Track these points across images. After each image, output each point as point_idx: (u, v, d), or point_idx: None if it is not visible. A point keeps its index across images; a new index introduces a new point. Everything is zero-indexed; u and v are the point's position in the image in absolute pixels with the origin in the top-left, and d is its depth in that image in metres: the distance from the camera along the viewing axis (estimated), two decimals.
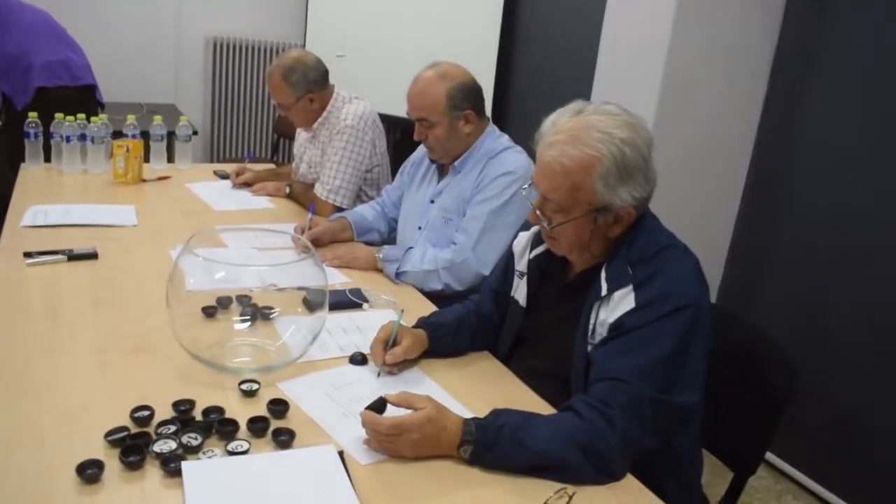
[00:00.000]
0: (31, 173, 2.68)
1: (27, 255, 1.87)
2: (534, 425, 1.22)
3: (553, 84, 3.87)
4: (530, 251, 1.57)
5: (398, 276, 2.04)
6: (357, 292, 1.86)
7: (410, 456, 1.21)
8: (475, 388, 1.48)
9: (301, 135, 2.92)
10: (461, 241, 2.04)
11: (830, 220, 2.61)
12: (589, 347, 1.37)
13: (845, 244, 2.56)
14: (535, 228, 1.58)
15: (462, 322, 1.64)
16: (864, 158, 2.49)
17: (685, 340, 1.27)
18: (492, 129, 2.16)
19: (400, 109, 2.79)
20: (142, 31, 4.55)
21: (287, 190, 2.76)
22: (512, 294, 1.62)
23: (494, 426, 1.21)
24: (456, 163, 2.13)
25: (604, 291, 1.35)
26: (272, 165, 3.27)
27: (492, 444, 1.20)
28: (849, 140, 2.54)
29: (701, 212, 2.86)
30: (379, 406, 1.25)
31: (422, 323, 1.61)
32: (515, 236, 2.04)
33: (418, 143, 2.44)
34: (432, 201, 2.20)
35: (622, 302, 1.32)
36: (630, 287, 1.31)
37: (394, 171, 2.77)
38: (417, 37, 4.40)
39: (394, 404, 1.24)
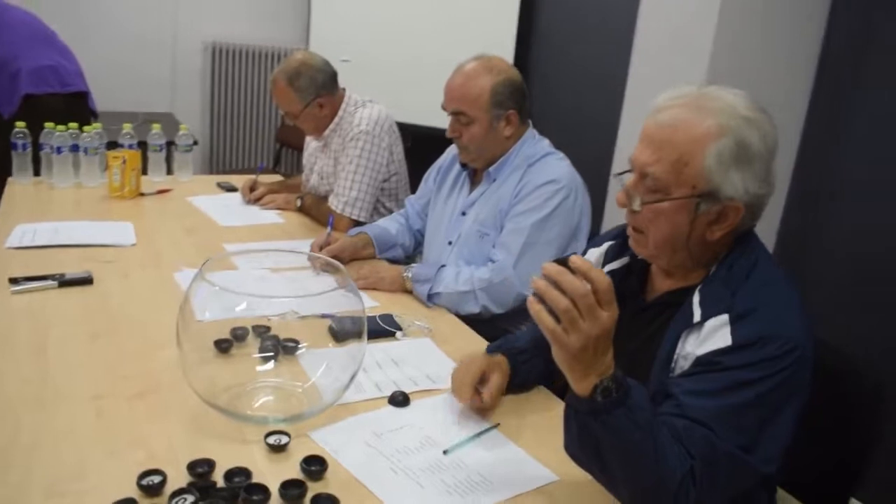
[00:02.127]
0: (18, 188, 2.46)
1: (12, 280, 1.65)
2: (659, 427, 1.01)
3: (573, 91, 3.67)
4: (603, 266, 1.35)
5: (430, 299, 1.82)
6: (389, 319, 1.64)
7: (575, 349, 0.94)
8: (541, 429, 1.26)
9: (311, 144, 2.70)
10: (500, 257, 1.82)
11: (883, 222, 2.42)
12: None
13: None
14: (607, 244, 1.37)
15: (538, 345, 1.41)
16: None
17: (780, 390, 1.06)
18: (532, 132, 1.95)
19: (409, 116, 2.59)
20: (137, 37, 4.31)
21: (298, 203, 2.54)
22: None
23: (641, 394, 1.00)
24: (491, 168, 1.91)
25: (696, 318, 1.13)
26: (279, 177, 3.05)
27: (635, 406, 0.97)
28: None
29: None
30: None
31: (496, 348, 1.42)
32: (564, 251, 1.83)
33: (432, 152, 2.23)
34: (464, 213, 1.97)
35: (715, 335, 1.10)
36: (726, 318, 1.10)
37: (410, 181, 2.56)
38: (426, 41, 4.20)
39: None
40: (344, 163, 2.41)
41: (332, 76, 2.46)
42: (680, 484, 1.00)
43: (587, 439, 1.01)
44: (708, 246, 1.17)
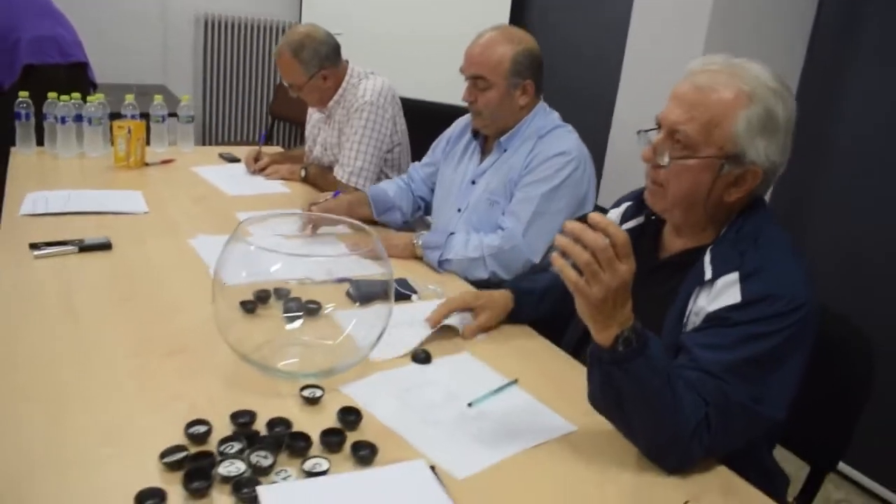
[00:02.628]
0: (22, 158, 2.47)
1: (33, 246, 1.67)
2: (676, 376, 1.08)
3: (569, 65, 3.71)
4: (621, 225, 1.41)
5: (441, 265, 1.87)
6: (404, 283, 1.69)
7: (598, 300, 0.99)
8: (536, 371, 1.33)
9: (313, 115, 2.72)
10: (510, 225, 1.87)
11: (878, 184, 2.50)
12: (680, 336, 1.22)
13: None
14: (626, 204, 1.43)
15: (548, 290, 1.56)
16: None
17: (787, 345, 1.13)
18: (542, 105, 1.99)
19: (404, 91, 2.64)
20: (128, 8, 4.28)
21: (302, 173, 2.57)
22: None
23: (659, 346, 1.07)
24: (502, 139, 1.96)
25: (707, 275, 1.20)
26: (280, 149, 3.07)
27: (652, 357, 1.04)
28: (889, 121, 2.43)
29: None
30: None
31: (511, 286, 1.57)
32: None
33: (426, 125, 2.26)
34: (474, 182, 2.02)
35: (725, 292, 1.17)
36: (736, 276, 1.17)
37: (412, 153, 2.60)
38: (419, 15, 4.21)
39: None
40: (349, 133, 2.44)
41: (336, 48, 2.49)
42: (694, 431, 1.07)
43: (609, 388, 1.08)
44: (722, 207, 1.23)
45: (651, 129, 1.26)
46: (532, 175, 1.88)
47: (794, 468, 1.44)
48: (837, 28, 2.59)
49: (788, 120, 1.19)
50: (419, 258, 1.92)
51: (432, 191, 2.24)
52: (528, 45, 1.92)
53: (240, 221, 1.26)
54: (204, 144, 4.60)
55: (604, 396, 1.10)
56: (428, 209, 2.28)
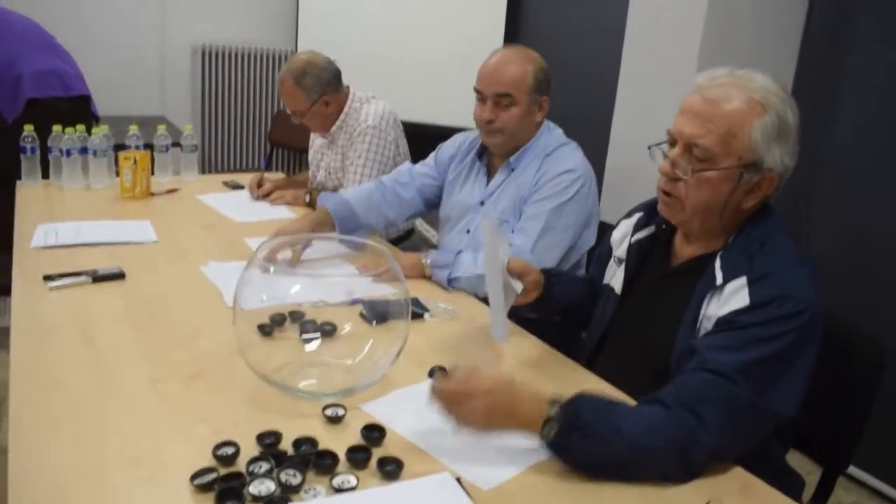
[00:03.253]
0: (29, 191, 2.49)
1: (47, 277, 1.69)
2: (622, 410, 1.12)
3: (565, 85, 3.75)
4: (632, 235, 1.44)
5: (450, 283, 1.89)
6: (416, 302, 1.71)
7: (482, 425, 1.11)
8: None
9: (316, 141, 2.76)
10: (519, 241, 1.90)
11: (874, 187, 2.53)
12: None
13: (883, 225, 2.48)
14: (637, 215, 1.46)
15: (578, 283, 1.61)
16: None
17: (795, 346, 1.16)
18: (547, 123, 2.04)
19: (402, 114, 2.70)
20: (126, 41, 4.32)
21: (307, 198, 2.59)
22: (606, 282, 1.50)
23: (587, 404, 1.09)
24: (511, 158, 1.99)
25: (718, 280, 1.23)
26: (283, 175, 3.10)
27: (584, 426, 1.07)
28: (891, 100, 2.47)
29: None
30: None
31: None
32: (578, 237, 1.93)
33: (431, 149, 2.27)
34: (482, 203, 2.05)
35: (734, 296, 1.20)
36: (744, 280, 1.20)
37: None
38: (414, 39, 4.27)
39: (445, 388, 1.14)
40: (353, 157, 2.47)
41: (337, 74, 2.53)
42: (681, 448, 1.09)
43: (586, 454, 1.09)
44: (738, 213, 1.26)
45: (662, 144, 1.29)
46: (541, 192, 1.91)
47: (805, 471, 1.45)
48: (827, 35, 2.64)
49: (796, 124, 1.23)
50: (428, 278, 1.94)
51: (428, 202, 2.24)
52: (542, 62, 1.98)
53: (257, 247, 1.28)
54: (204, 173, 4.61)
55: (580, 470, 1.11)
56: (424, 214, 2.30)
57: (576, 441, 1.07)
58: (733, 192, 1.23)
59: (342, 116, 2.55)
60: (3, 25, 2.84)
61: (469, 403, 1.10)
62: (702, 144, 1.21)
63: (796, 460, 1.44)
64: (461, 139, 2.20)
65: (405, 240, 2.80)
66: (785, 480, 1.32)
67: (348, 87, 2.59)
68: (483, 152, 2.09)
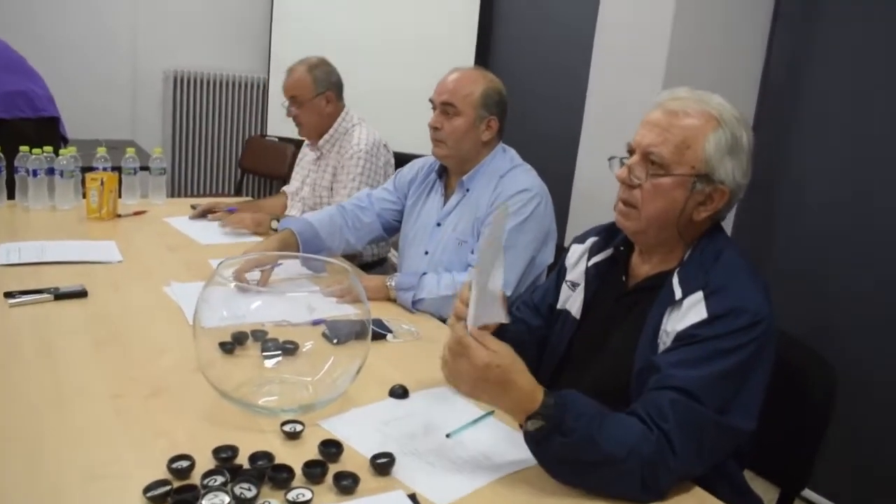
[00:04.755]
0: None
1: (8, 294, 1.68)
2: (609, 421, 1.13)
3: (534, 111, 3.84)
4: (588, 259, 1.48)
5: (415, 305, 1.91)
6: (380, 323, 1.73)
7: (466, 392, 1.16)
8: None
9: (305, 157, 2.84)
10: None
11: (831, 210, 2.61)
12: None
13: (851, 235, 2.56)
14: (591, 239, 1.50)
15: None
16: (865, 139, 2.51)
17: (753, 359, 1.19)
18: (501, 146, 2.09)
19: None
20: (98, 65, 4.34)
21: (274, 225, 2.52)
22: (560, 306, 1.52)
23: (576, 412, 1.11)
24: (464, 178, 2.05)
25: (678, 295, 1.26)
26: (250, 199, 3.11)
27: (568, 431, 1.09)
28: (848, 123, 2.57)
29: None
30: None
31: None
32: (537, 254, 1.97)
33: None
34: (439, 224, 2.09)
35: (691, 311, 1.23)
36: (701, 294, 1.23)
37: None
38: (385, 68, 4.33)
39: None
40: (344, 180, 2.56)
41: (342, 85, 2.69)
42: (648, 461, 1.10)
43: (561, 455, 1.11)
44: (691, 226, 1.31)
45: (623, 157, 1.34)
46: None
47: (762, 492, 1.48)
48: (789, 56, 2.75)
49: (749, 145, 1.29)
50: (392, 300, 1.95)
51: (387, 225, 2.27)
52: (498, 85, 2.04)
53: (218, 263, 1.29)
54: (174, 196, 4.61)
55: (544, 465, 1.14)
56: (383, 238, 2.33)
57: (555, 444, 1.09)
58: (686, 201, 1.27)
59: (331, 131, 2.64)
60: None
61: (464, 364, 1.12)
62: (657, 152, 1.27)
63: (756, 483, 1.47)
64: (420, 163, 2.24)
65: (378, 266, 2.82)
66: (742, 500, 1.35)
67: (344, 105, 2.70)
68: (443, 172, 2.14)
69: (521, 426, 1.14)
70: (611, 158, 1.38)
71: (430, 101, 2.05)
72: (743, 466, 1.41)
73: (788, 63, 2.77)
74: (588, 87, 2.96)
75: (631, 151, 1.33)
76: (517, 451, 1.24)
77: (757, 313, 1.19)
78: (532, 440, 1.12)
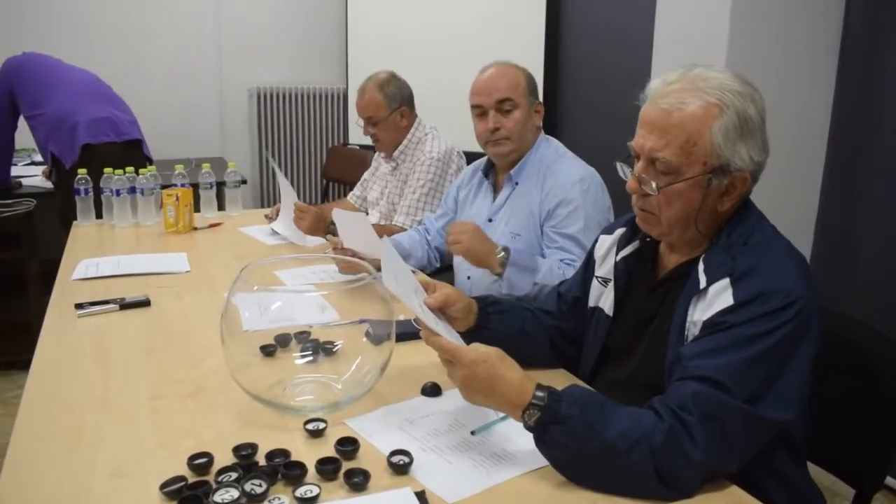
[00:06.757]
0: (82, 230, 2.65)
1: (78, 306, 1.79)
2: (611, 410, 1.08)
3: (602, 88, 3.75)
4: (616, 253, 1.42)
5: (512, 288, 1.83)
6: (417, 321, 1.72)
7: (463, 394, 1.16)
8: None
9: (380, 168, 2.87)
10: (577, 252, 1.90)
11: None
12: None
13: None
14: (619, 231, 1.44)
15: (517, 308, 1.53)
16: None
17: (786, 344, 1.10)
18: (544, 135, 2.07)
19: (460, 145, 2.81)
20: (185, 88, 4.60)
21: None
22: (593, 304, 1.47)
23: (572, 398, 1.07)
24: (512, 172, 2.03)
25: (702, 284, 1.19)
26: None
27: (564, 418, 1.05)
28: None
29: (780, 196, 2.65)
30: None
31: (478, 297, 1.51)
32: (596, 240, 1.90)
33: None
34: (490, 220, 2.07)
35: (718, 298, 1.16)
36: (727, 281, 1.15)
37: None
38: (460, 72, 4.32)
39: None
40: (415, 185, 2.57)
41: (412, 96, 2.71)
42: (663, 461, 1.03)
43: (564, 446, 1.07)
44: (717, 216, 1.23)
45: (627, 158, 1.27)
46: (562, 214, 1.93)
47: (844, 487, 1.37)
48: (868, 27, 2.55)
49: (761, 116, 1.19)
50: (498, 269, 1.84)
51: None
52: (528, 71, 2.03)
53: (242, 267, 1.33)
54: (262, 207, 4.81)
55: (555, 465, 1.10)
56: (443, 259, 2.31)
57: (554, 434, 1.06)
58: (705, 198, 1.20)
59: (405, 142, 2.67)
60: (63, 81, 3.06)
61: (453, 368, 1.15)
62: (662, 158, 1.19)
63: (828, 480, 1.36)
64: (462, 173, 2.28)
65: (445, 272, 2.83)
66: (798, 499, 1.25)
67: (416, 114, 2.73)
68: (489, 171, 2.12)
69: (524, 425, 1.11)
70: (617, 163, 1.30)
71: (474, 106, 2.03)
72: (801, 461, 1.30)
73: (869, 31, 2.56)
74: (651, 72, 2.86)
75: (635, 155, 1.25)
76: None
77: (790, 293, 1.11)
78: (535, 436, 1.08)
